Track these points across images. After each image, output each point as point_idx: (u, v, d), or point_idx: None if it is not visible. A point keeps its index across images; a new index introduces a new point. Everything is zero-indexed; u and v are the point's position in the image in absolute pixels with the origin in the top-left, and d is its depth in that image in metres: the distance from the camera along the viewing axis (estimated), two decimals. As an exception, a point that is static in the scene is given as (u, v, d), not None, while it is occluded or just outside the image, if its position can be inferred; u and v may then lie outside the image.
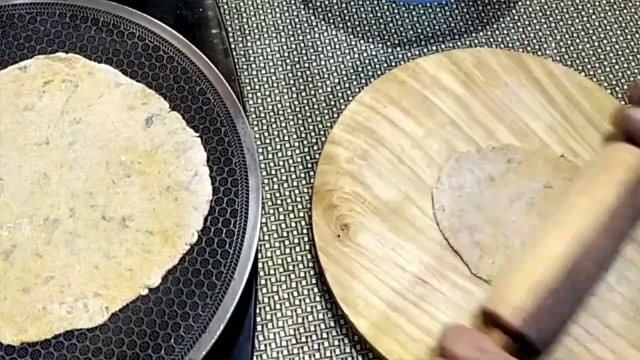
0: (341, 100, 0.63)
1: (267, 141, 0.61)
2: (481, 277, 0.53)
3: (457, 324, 0.48)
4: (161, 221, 0.50)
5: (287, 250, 0.57)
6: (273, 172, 0.60)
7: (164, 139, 0.53)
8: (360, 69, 0.64)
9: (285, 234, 0.57)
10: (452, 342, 0.44)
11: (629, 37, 0.67)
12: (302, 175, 0.59)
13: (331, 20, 0.66)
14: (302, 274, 0.56)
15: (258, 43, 0.65)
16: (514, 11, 0.68)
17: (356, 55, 0.65)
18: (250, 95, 0.63)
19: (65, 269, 0.49)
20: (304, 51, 0.65)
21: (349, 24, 0.66)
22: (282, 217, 0.58)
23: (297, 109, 0.62)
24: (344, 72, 0.64)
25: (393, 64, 0.64)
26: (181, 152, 0.52)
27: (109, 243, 0.49)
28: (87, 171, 0.52)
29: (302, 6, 0.67)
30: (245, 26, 0.66)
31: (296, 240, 0.57)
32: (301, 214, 0.58)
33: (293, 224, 0.58)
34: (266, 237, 0.57)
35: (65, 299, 0.48)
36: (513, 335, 0.45)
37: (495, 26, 0.67)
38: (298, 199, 0.59)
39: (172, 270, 0.49)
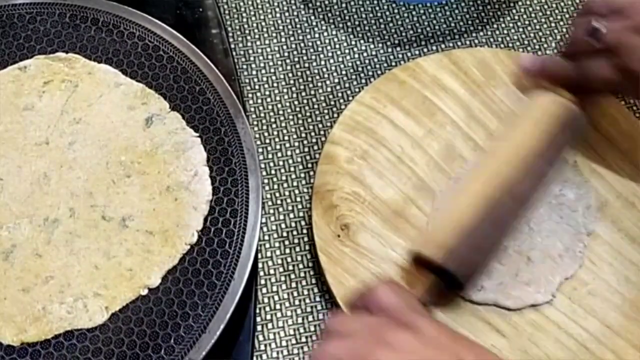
0: (341, 100, 0.62)
1: (267, 141, 0.61)
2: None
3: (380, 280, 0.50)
4: (161, 221, 0.50)
5: (287, 250, 0.57)
6: (273, 172, 0.60)
7: (164, 139, 0.53)
8: (360, 69, 0.64)
9: (285, 234, 0.57)
10: (376, 290, 0.44)
11: (629, 37, 0.67)
12: (302, 175, 0.59)
13: (331, 20, 0.66)
14: (302, 274, 0.56)
15: (258, 43, 0.65)
16: (514, 11, 0.68)
17: (356, 55, 0.65)
18: (250, 95, 0.63)
19: (65, 269, 0.49)
20: (304, 51, 0.65)
21: (349, 24, 0.66)
22: (282, 217, 0.58)
23: (297, 109, 0.62)
24: (344, 72, 0.64)
25: (393, 64, 0.64)
26: (181, 152, 0.52)
27: (109, 243, 0.49)
28: (87, 171, 0.52)
29: (302, 6, 0.67)
30: (245, 26, 0.66)
31: (296, 240, 0.57)
32: (301, 214, 0.58)
33: (293, 224, 0.58)
34: (266, 237, 0.57)
35: (65, 299, 0.48)
36: (440, 273, 0.48)
37: (495, 26, 0.67)
38: (298, 199, 0.58)
39: (172, 270, 0.49)
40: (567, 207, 0.55)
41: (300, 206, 0.58)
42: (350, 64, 0.64)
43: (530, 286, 0.52)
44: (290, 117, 0.62)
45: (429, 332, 0.41)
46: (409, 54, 0.65)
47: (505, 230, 0.51)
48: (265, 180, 0.59)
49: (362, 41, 0.65)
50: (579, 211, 0.55)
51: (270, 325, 0.54)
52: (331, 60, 0.64)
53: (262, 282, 0.55)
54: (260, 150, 0.60)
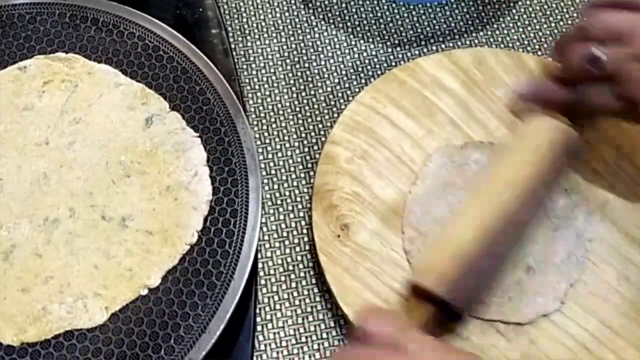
0: (341, 100, 0.62)
1: (267, 141, 0.61)
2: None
3: (370, 306, 0.50)
4: (161, 221, 0.50)
5: (287, 250, 0.57)
6: (273, 172, 0.59)
7: (164, 139, 0.53)
8: (360, 69, 0.64)
9: (285, 234, 0.57)
10: (366, 321, 0.44)
11: (629, 37, 0.66)
12: (302, 175, 0.59)
13: (331, 20, 0.66)
14: (302, 274, 0.56)
15: (258, 43, 0.65)
16: (514, 11, 0.68)
17: (356, 55, 0.65)
18: (250, 95, 0.63)
19: (64, 269, 0.48)
20: (304, 51, 0.65)
21: (349, 24, 0.66)
22: (282, 217, 0.58)
23: (297, 109, 0.62)
24: (344, 72, 0.64)
25: (393, 64, 0.64)
26: (181, 152, 0.52)
27: (109, 243, 0.49)
28: (87, 171, 0.52)
29: (302, 6, 0.67)
30: (245, 26, 0.66)
31: (296, 240, 0.57)
32: (301, 214, 0.58)
33: (293, 224, 0.58)
34: (266, 237, 0.57)
35: (65, 299, 0.48)
36: (439, 303, 0.47)
37: (495, 26, 0.67)
38: (298, 199, 0.58)
39: (172, 270, 0.49)
40: (560, 213, 0.55)
41: (300, 206, 0.58)
42: (350, 64, 0.64)
43: (538, 297, 0.52)
44: (290, 117, 0.62)
45: (423, 354, 0.41)
46: (409, 54, 0.65)
47: (505, 258, 0.50)
48: (265, 180, 0.59)
49: (362, 41, 0.65)
50: (578, 218, 0.55)
51: (270, 325, 0.54)
52: (331, 60, 0.64)
53: (262, 282, 0.55)
54: (260, 150, 0.60)
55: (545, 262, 0.53)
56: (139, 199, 0.51)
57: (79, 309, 0.47)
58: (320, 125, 0.61)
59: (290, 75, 0.64)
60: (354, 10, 0.67)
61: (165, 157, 0.52)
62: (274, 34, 0.66)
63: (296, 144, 0.61)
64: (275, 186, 0.59)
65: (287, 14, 0.67)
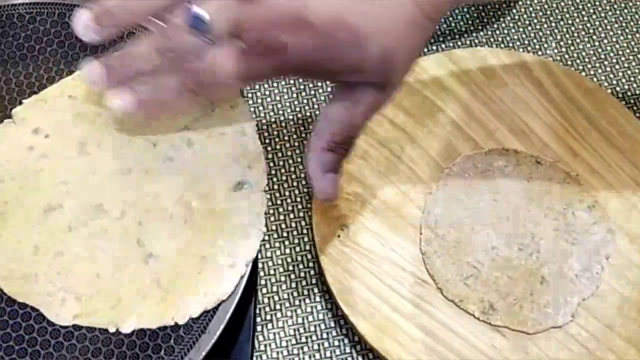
0: (341, 100, 0.62)
1: (267, 141, 0.61)
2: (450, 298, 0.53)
3: None
4: None
5: (287, 250, 0.57)
6: (273, 172, 0.59)
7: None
8: (360, 69, 0.64)
9: (285, 234, 0.57)
10: None
11: (629, 37, 0.67)
12: (302, 175, 0.59)
13: (331, 20, 0.66)
14: (302, 274, 0.56)
15: (258, 43, 0.65)
16: (514, 11, 0.68)
17: (356, 55, 0.65)
18: (250, 96, 0.63)
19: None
20: (304, 51, 0.65)
21: (349, 24, 0.66)
22: (282, 217, 0.58)
23: (297, 109, 0.62)
24: (344, 72, 0.64)
25: (393, 64, 0.64)
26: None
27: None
28: (159, 195, 0.49)
29: (302, 6, 0.67)
30: (245, 26, 0.66)
31: (296, 240, 0.57)
32: (301, 214, 0.58)
33: (293, 224, 0.58)
34: (266, 237, 0.57)
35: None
36: None
37: (495, 26, 0.67)
38: (298, 199, 0.58)
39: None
40: (580, 228, 0.55)
41: (300, 206, 0.58)
42: (350, 64, 0.64)
43: (548, 309, 0.52)
44: (290, 117, 0.62)
45: None
46: (409, 54, 0.65)
47: None
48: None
49: (362, 41, 0.65)
50: (597, 234, 0.54)
51: (270, 325, 0.54)
52: (331, 60, 0.64)
53: (262, 282, 0.55)
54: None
55: (559, 275, 0.53)
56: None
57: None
58: (320, 125, 0.61)
59: (290, 75, 0.64)
60: (354, 10, 0.67)
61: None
62: (274, 34, 0.65)
63: (296, 144, 0.61)
64: (275, 186, 0.59)
65: (287, 14, 0.67)
